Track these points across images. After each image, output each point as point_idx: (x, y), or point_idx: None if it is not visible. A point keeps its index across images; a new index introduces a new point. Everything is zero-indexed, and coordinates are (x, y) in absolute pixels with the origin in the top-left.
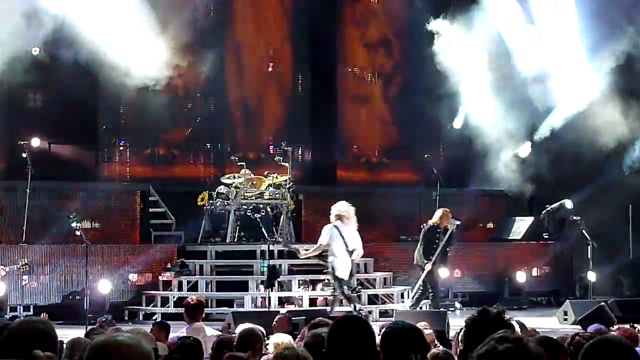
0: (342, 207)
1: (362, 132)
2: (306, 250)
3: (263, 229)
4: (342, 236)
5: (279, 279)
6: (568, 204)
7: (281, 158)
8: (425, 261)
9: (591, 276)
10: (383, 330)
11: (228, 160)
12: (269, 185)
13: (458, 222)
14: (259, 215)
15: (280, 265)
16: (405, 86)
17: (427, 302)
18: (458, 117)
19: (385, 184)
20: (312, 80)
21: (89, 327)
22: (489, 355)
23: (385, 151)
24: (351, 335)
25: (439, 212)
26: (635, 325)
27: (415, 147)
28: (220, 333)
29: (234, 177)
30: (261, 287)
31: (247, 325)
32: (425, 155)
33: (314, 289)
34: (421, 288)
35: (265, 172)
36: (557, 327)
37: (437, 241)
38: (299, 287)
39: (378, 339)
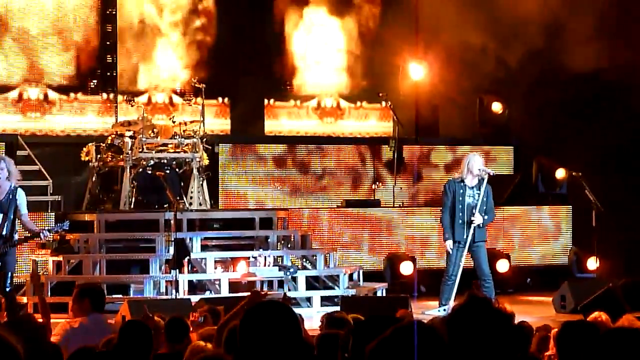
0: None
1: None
2: None
3: (168, 192)
4: None
5: (189, 257)
6: None
7: (192, 98)
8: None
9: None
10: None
11: (122, 101)
12: (176, 134)
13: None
14: (163, 174)
15: (190, 239)
16: None
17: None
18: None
19: (331, 134)
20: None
21: None
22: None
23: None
24: (268, 325)
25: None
26: None
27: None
28: None
29: (129, 124)
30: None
31: None
32: (380, 94)
33: (234, 270)
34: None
35: (172, 116)
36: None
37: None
38: (216, 268)
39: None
